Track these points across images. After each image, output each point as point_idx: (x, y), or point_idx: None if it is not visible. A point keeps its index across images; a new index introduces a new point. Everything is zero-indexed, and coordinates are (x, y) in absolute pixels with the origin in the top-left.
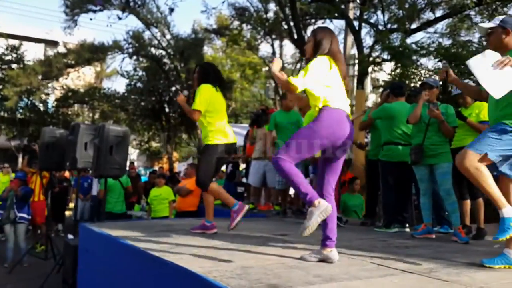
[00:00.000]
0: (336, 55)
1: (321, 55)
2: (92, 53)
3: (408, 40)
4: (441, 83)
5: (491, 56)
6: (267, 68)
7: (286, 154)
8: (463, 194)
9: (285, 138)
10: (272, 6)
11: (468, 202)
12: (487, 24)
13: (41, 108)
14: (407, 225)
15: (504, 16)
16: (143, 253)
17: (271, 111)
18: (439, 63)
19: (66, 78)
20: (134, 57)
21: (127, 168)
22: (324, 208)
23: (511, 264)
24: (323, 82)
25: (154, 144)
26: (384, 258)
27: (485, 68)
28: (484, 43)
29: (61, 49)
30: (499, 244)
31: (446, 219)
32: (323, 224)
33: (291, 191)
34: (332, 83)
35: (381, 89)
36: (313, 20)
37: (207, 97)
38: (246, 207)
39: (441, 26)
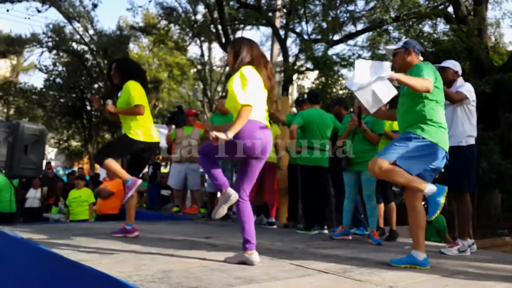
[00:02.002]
0: (259, 59)
1: (243, 65)
2: (8, 46)
3: (330, 51)
4: (355, 116)
5: (379, 66)
6: (195, 70)
7: (202, 152)
8: (377, 198)
9: None
10: (201, 8)
11: (382, 205)
12: (392, 46)
13: None
14: (325, 227)
15: (407, 39)
16: (59, 258)
17: (189, 112)
18: None
19: None
20: (54, 52)
21: (44, 168)
22: (229, 196)
23: (416, 264)
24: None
25: (73, 143)
26: (303, 259)
27: (368, 76)
28: None
29: None
30: (409, 246)
31: (362, 221)
32: (242, 228)
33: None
34: (253, 96)
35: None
36: (241, 26)
37: (141, 92)
38: (139, 182)
39: (361, 39)
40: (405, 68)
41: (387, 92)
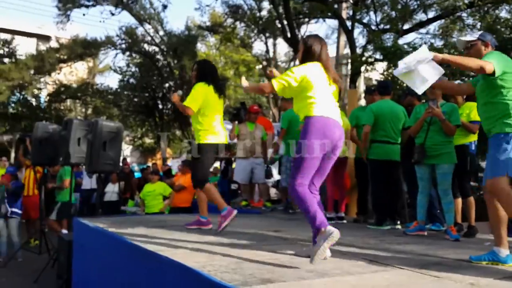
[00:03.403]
0: (326, 63)
1: (311, 61)
2: (84, 48)
3: (400, 41)
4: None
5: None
6: (260, 66)
7: (300, 178)
8: (455, 193)
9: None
10: (265, 4)
11: (460, 200)
12: (467, 38)
13: (33, 103)
14: (398, 222)
15: (480, 31)
16: (138, 248)
17: (251, 108)
18: None
19: (58, 73)
20: (127, 53)
21: (121, 164)
22: (330, 234)
23: (498, 261)
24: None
25: (147, 141)
26: (376, 254)
27: (413, 63)
28: None
29: (53, 44)
30: (490, 242)
31: (438, 216)
32: (311, 222)
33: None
34: (318, 91)
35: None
36: (306, 19)
37: (200, 96)
38: (235, 212)
39: (433, 27)
40: None
41: (432, 72)
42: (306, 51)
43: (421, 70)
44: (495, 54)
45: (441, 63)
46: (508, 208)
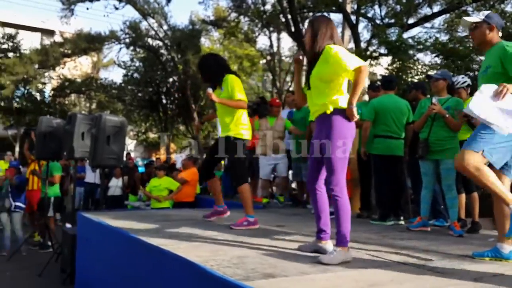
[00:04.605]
0: (340, 39)
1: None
2: (88, 43)
3: (405, 35)
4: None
5: (487, 90)
6: (264, 61)
7: (341, 185)
8: (458, 189)
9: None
10: None
11: (463, 196)
12: (472, 18)
13: (38, 97)
14: (402, 218)
15: (488, 11)
16: (141, 242)
17: (273, 102)
18: (436, 58)
19: (62, 68)
20: (131, 48)
21: (124, 159)
22: (349, 257)
23: (501, 257)
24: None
25: (151, 135)
26: (379, 249)
27: (487, 106)
28: None
29: (57, 38)
30: (493, 238)
31: (441, 212)
32: (317, 218)
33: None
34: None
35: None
36: (310, 14)
37: (242, 87)
38: (257, 225)
39: (438, 21)
40: (485, 45)
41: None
42: (313, 34)
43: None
44: None
45: None
46: (482, 182)
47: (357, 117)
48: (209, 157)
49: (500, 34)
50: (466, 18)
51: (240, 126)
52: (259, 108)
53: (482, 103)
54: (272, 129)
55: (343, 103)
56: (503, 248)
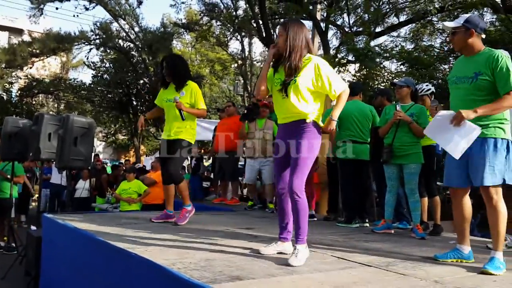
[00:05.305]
0: (311, 46)
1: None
2: (58, 43)
3: (372, 43)
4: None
5: (445, 115)
6: (236, 65)
7: (302, 188)
8: (421, 192)
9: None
10: (242, 3)
11: (426, 199)
12: (451, 24)
13: (4, 97)
14: (367, 220)
15: (469, 15)
16: (108, 245)
17: (261, 103)
18: (402, 66)
19: (30, 67)
20: (101, 49)
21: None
22: (308, 253)
23: (462, 258)
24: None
25: (120, 137)
26: (344, 251)
27: (442, 130)
28: (445, 48)
29: (26, 37)
30: (454, 240)
31: (405, 215)
32: (285, 219)
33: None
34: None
35: None
36: (281, 20)
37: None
38: (193, 211)
39: (404, 30)
40: (466, 50)
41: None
42: (287, 38)
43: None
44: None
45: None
46: (493, 216)
47: (333, 127)
48: (164, 163)
49: (483, 36)
50: (445, 23)
51: (191, 131)
52: (249, 114)
53: (438, 127)
54: (261, 131)
55: (319, 116)
56: (463, 249)
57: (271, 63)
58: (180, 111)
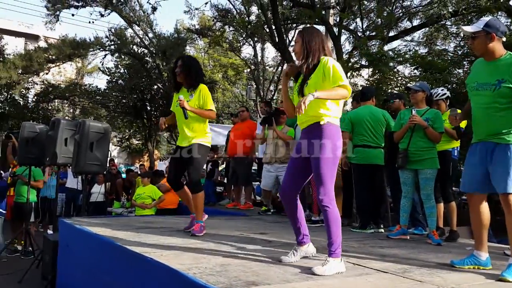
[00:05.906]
0: (330, 52)
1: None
2: (73, 49)
3: (386, 48)
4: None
5: None
6: (248, 70)
7: (331, 196)
8: (437, 198)
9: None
10: (254, 9)
11: (442, 205)
12: (471, 28)
13: (21, 103)
14: (382, 226)
15: (489, 18)
16: (124, 250)
17: (280, 109)
18: (416, 71)
19: (46, 73)
20: (116, 55)
21: (108, 165)
22: (343, 268)
23: (479, 265)
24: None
25: (135, 142)
26: (359, 257)
27: None
28: (459, 52)
29: (42, 43)
30: (471, 247)
31: (420, 221)
32: (298, 223)
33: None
34: None
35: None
36: (294, 25)
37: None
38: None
39: (417, 34)
40: (488, 55)
41: None
42: (305, 46)
43: None
44: None
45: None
46: None
47: (302, 111)
48: (174, 167)
49: (504, 39)
50: (465, 28)
51: (206, 134)
52: (269, 118)
53: None
54: (279, 137)
55: (336, 116)
56: (480, 255)
57: (291, 80)
58: (184, 110)
